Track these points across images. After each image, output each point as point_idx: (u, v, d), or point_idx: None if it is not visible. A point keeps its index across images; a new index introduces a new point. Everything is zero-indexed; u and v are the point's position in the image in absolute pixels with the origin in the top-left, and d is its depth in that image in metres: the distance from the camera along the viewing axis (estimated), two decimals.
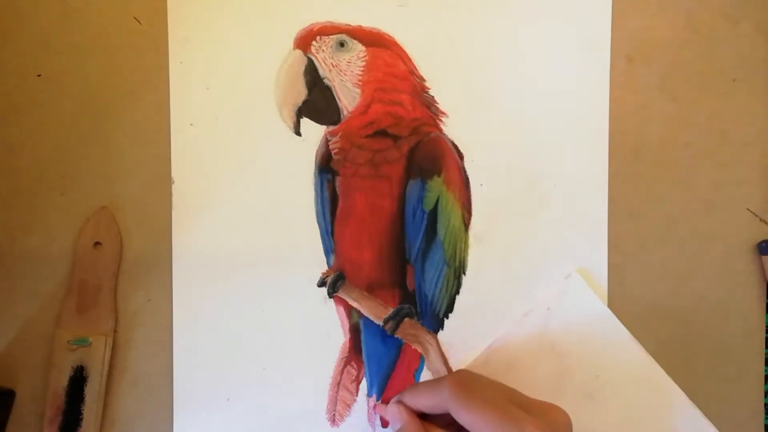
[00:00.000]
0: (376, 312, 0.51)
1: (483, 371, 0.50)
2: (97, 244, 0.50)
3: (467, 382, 0.43)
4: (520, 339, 0.50)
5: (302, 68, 0.50)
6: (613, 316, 0.51)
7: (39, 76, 0.50)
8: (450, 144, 0.51)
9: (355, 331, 0.52)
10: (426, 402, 0.44)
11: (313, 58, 0.50)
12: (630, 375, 0.50)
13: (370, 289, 0.52)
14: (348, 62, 0.51)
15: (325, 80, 0.51)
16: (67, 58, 0.50)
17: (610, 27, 0.52)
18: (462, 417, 0.41)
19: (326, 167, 0.51)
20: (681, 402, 0.50)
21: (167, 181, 0.51)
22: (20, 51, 0.50)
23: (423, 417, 0.45)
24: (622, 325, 0.51)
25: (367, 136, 0.51)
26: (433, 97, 0.51)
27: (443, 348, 0.52)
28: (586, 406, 0.50)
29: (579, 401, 0.50)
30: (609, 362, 0.50)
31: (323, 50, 0.50)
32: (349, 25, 0.51)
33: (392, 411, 0.46)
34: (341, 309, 0.52)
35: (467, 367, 0.51)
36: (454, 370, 0.51)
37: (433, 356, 0.51)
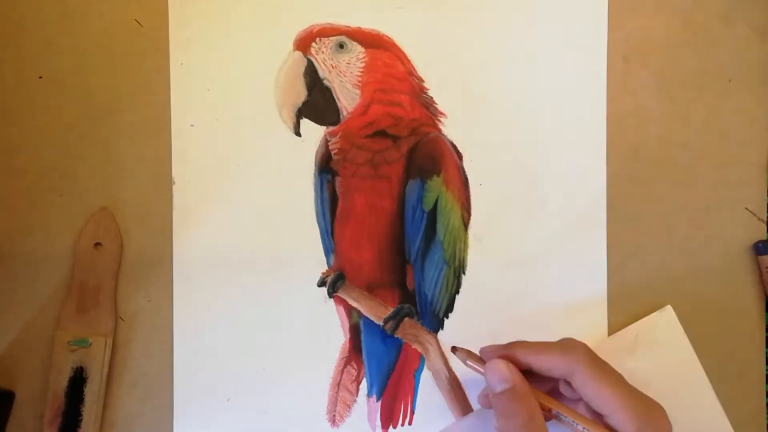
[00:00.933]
0: (376, 312, 0.52)
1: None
2: (97, 244, 0.50)
3: (599, 359, 0.41)
4: (604, 358, 0.50)
5: (302, 69, 0.51)
6: (697, 360, 0.51)
7: (40, 77, 0.51)
8: (449, 144, 0.52)
9: (355, 331, 0.52)
10: (547, 362, 0.41)
11: (313, 60, 0.51)
12: (698, 422, 0.50)
13: (370, 289, 0.52)
14: (347, 63, 0.51)
15: (325, 81, 0.51)
16: (68, 59, 0.51)
17: (606, 28, 0.52)
18: (592, 386, 0.40)
19: (326, 167, 0.51)
20: None
21: (167, 181, 0.51)
22: (21, 52, 0.50)
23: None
24: (703, 371, 0.51)
25: (367, 137, 0.51)
26: (432, 97, 0.52)
27: (443, 347, 0.52)
28: None
29: None
30: (681, 405, 0.49)
31: (323, 51, 0.51)
32: (349, 26, 0.51)
33: (499, 369, 0.41)
34: (341, 309, 0.52)
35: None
36: (454, 370, 0.51)
37: (433, 356, 0.52)
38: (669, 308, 0.51)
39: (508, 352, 0.43)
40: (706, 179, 0.53)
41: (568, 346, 0.42)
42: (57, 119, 0.51)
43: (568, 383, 0.43)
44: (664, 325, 0.51)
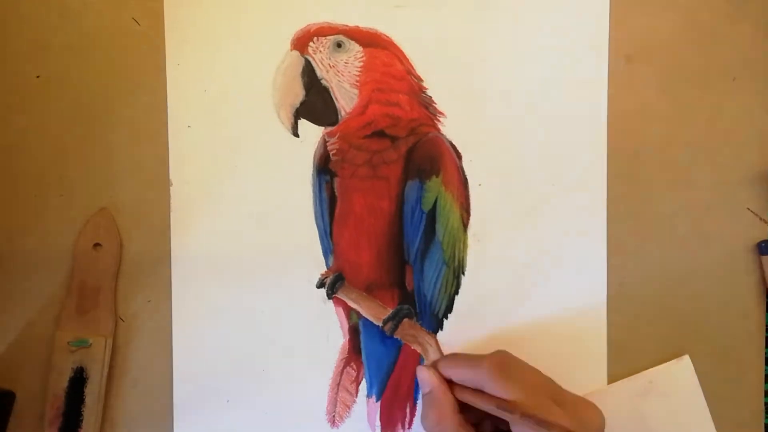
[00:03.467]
0: (375, 313, 0.51)
1: None
2: (96, 245, 0.50)
3: (508, 363, 0.44)
4: (616, 400, 0.50)
5: (299, 69, 0.50)
6: (708, 412, 0.51)
7: (38, 77, 0.50)
8: (448, 144, 0.51)
9: (354, 332, 0.52)
10: (462, 374, 0.45)
11: (311, 59, 0.50)
12: None
13: (369, 290, 0.52)
14: (345, 63, 0.50)
15: (323, 81, 0.50)
16: (66, 59, 0.50)
17: (608, 26, 0.52)
18: (499, 397, 0.42)
19: (324, 168, 0.51)
20: None
21: (166, 182, 0.51)
22: (19, 52, 0.50)
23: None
24: (713, 424, 0.51)
25: (365, 137, 0.51)
26: (430, 97, 0.51)
27: (442, 348, 0.52)
28: None
29: None
30: None
31: (320, 51, 0.50)
32: (346, 25, 0.51)
33: (422, 375, 0.47)
34: (340, 310, 0.52)
35: None
36: None
37: (432, 356, 0.51)
38: (687, 358, 0.52)
39: (437, 364, 0.47)
40: (708, 179, 0.52)
41: (476, 359, 0.45)
42: (55, 119, 0.50)
43: None
44: (680, 373, 0.51)
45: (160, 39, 0.50)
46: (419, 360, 0.52)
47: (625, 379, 0.51)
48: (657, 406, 0.51)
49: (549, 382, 0.44)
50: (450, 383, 0.46)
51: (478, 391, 0.44)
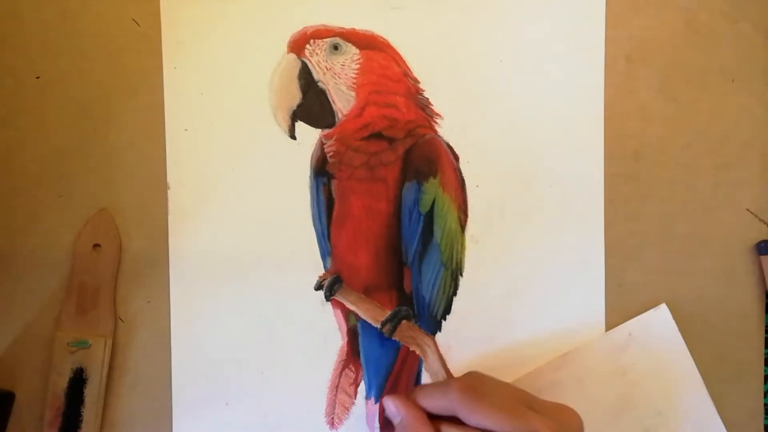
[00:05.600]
0: (373, 315, 0.51)
1: (552, 378, 0.50)
2: (96, 245, 0.50)
3: (476, 385, 0.43)
4: (596, 356, 0.50)
5: (296, 72, 0.50)
6: (690, 359, 0.51)
7: (37, 78, 0.51)
8: (445, 146, 0.51)
9: (352, 334, 0.52)
10: (434, 404, 0.44)
11: (307, 62, 0.50)
12: (690, 421, 0.50)
13: (368, 292, 0.52)
14: (342, 65, 0.50)
15: (320, 83, 0.50)
16: (66, 59, 0.51)
17: (604, 27, 0.51)
18: (471, 421, 0.41)
19: (322, 170, 0.51)
20: None
21: (164, 183, 0.51)
22: (19, 53, 0.50)
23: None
24: (696, 369, 0.51)
25: (363, 139, 0.51)
26: (427, 98, 0.51)
27: (441, 350, 0.52)
28: None
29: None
30: (674, 402, 0.50)
31: (317, 53, 0.50)
32: (343, 28, 0.51)
33: (388, 406, 0.45)
34: (339, 312, 0.52)
35: (538, 370, 0.51)
36: (452, 371, 0.51)
37: (431, 358, 0.51)
38: (664, 306, 0.51)
39: (409, 395, 0.45)
40: (707, 179, 0.52)
41: (444, 386, 0.44)
42: (55, 120, 0.51)
43: None
44: (659, 323, 0.51)
45: (158, 41, 0.50)
46: (418, 362, 0.52)
47: (605, 334, 0.51)
48: (638, 358, 0.50)
49: (522, 393, 0.43)
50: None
51: (457, 425, 0.42)
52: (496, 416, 0.40)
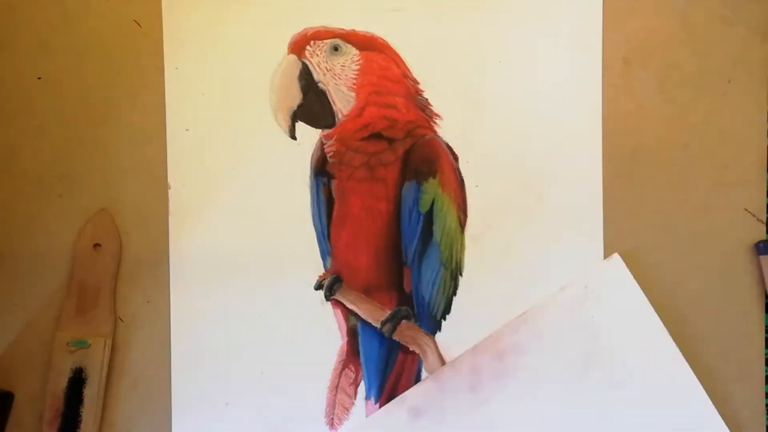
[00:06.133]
0: (373, 314, 0.52)
1: (511, 340, 0.49)
2: (96, 245, 0.50)
3: None
4: (554, 312, 0.50)
5: (297, 72, 0.51)
6: (649, 305, 0.50)
7: (39, 78, 0.51)
8: (445, 146, 0.51)
9: (352, 334, 0.52)
10: None
11: (308, 63, 0.51)
12: (657, 369, 0.50)
13: (367, 292, 0.52)
14: (342, 66, 0.51)
15: (320, 84, 0.51)
16: (67, 60, 0.51)
17: (601, 29, 0.52)
18: None
19: (322, 170, 0.51)
20: (701, 402, 0.50)
21: (165, 183, 0.51)
22: (20, 53, 0.51)
23: None
24: (657, 316, 0.50)
25: (362, 139, 0.51)
26: (427, 99, 0.51)
27: (441, 349, 0.52)
28: (609, 393, 0.49)
29: (604, 387, 0.49)
30: (639, 352, 0.49)
31: (317, 54, 0.51)
32: (343, 29, 0.51)
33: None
34: (338, 312, 0.52)
35: (498, 332, 0.50)
36: None
37: (431, 358, 0.52)
38: (617, 256, 0.51)
39: None
40: (705, 180, 0.52)
41: None
42: (56, 120, 0.51)
43: None
44: (613, 273, 0.51)
45: (159, 42, 0.51)
46: (418, 362, 0.52)
47: (560, 290, 0.51)
48: (597, 310, 0.50)
49: None
50: None
51: None
52: None
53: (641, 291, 0.50)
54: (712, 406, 0.50)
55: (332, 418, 0.52)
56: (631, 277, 0.50)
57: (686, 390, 0.49)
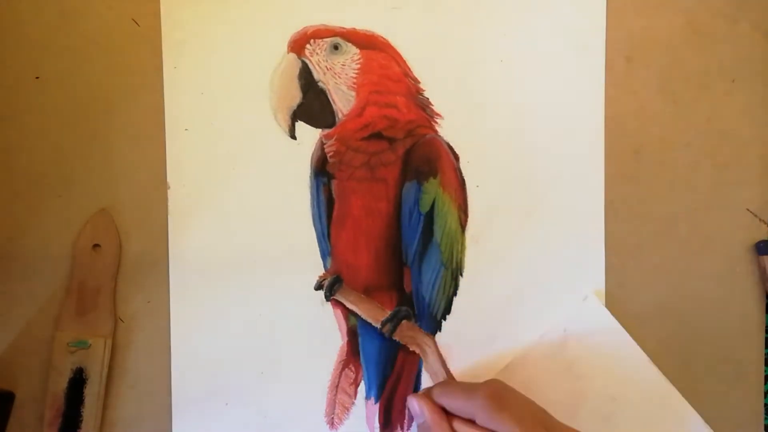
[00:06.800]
0: (373, 315, 0.51)
1: None
2: (96, 246, 0.50)
3: (502, 394, 0.43)
4: (537, 359, 0.50)
5: (296, 72, 0.50)
6: (630, 338, 0.51)
7: (37, 78, 0.51)
8: (445, 146, 0.51)
9: (352, 334, 0.52)
10: (455, 404, 0.44)
11: (308, 62, 0.50)
12: (646, 398, 0.50)
13: (368, 292, 0.52)
14: (342, 65, 0.50)
15: (320, 83, 0.50)
16: (65, 59, 0.50)
17: (604, 28, 0.52)
18: (491, 427, 0.42)
19: (322, 170, 0.51)
20: (696, 427, 0.50)
21: (164, 183, 0.51)
22: (18, 53, 0.50)
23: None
24: (639, 348, 0.51)
25: (363, 139, 0.51)
26: (428, 98, 0.51)
27: (441, 349, 0.52)
28: (602, 429, 0.50)
29: (595, 423, 0.50)
30: (625, 384, 0.50)
31: (317, 53, 0.50)
32: (343, 27, 0.51)
33: (413, 405, 0.45)
34: (339, 312, 0.52)
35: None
36: (452, 371, 0.51)
37: (431, 358, 0.51)
38: (592, 295, 0.51)
39: (429, 392, 0.46)
40: (707, 179, 0.52)
41: (470, 388, 0.44)
42: (55, 120, 0.51)
43: None
44: (591, 312, 0.51)
45: (158, 41, 0.50)
46: (418, 362, 0.52)
47: (540, 336, 0.51)
48: (579, 351, 0.50)
49: (543, 412, 0.44)
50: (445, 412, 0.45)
51: (474, 426, 0.43)
52: (514, 430, 0.41)
53: (620, 325, 0.51)
54: (705, 425, 0.50)
55: (332, 418, 0.52)
56: (609, 314, 0.51)
57: (676, 412, 0.50)
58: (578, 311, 0.51)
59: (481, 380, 0.49)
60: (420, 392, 0.47)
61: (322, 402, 0.52)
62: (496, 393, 0.43)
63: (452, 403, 0.44)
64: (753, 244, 0.52)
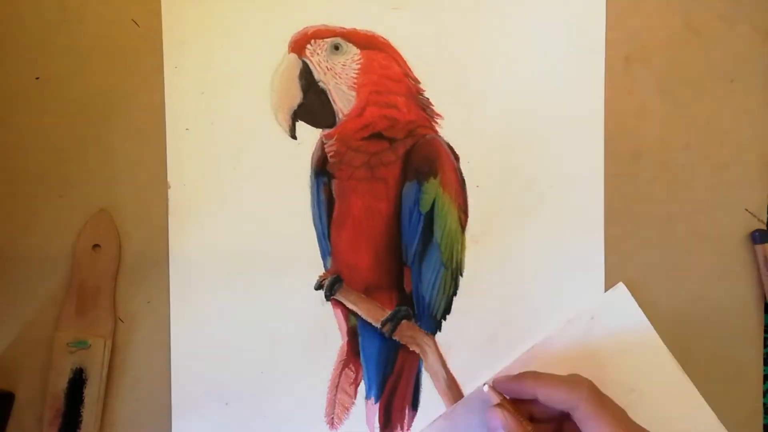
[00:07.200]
0: (373, 314, 0.51)
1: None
2: (96, 246, 0.50)
3: (601, 393, 0.44)
4: (562, 344, 0.51)
5: (297, 72, 0.50)
6: (654, 332, 0.51)
7: (37, 78, 0.51)
8: (446, 146, 0.51)
9: (353, 334, 0.52)
10: (557, 396, 0.44)
11: (308, 62, 0.50)
12: (664, 392, 0.51)
13: (368, 292, 0.52)
14: (343, 65, 0.51)
15: (320, 83, 0.51)
16: (66, 60, 0.50)
17: (604, 28, 0.52)
18: (590, 423, 0.42)
19: (322, 170, 0.51)
20: (712, 424, 0.50)
21: (164, 184, 0.51)
22: (18, 53, 0.50)
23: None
24: (662, 341, 0.51)
25: (363, 139, 0.51)
26: (428, 99, 0.51)
27: (441, 349, 0.52)
28: None
29: None
30: (646, 377, 0.50)
31: (318, 53, 0.50)
32: (344, 28, 0.51)
33: (495, 421, 0.45)
34: (339, 312, 0.52)
35: (508, 368, 0.51)
36: (452, 371, 0.51)
37: (431, 358, 0.52)
38: (621, 285, 0.51)
39: (517, 382, 0.46)
40: (706, 180, 0.52)
41: (573, 381, 0.44)
42: (55, 120, 0.51)
43: (573, 423, 0.44)
44: (619, 303, 0.51)
45: (159, 41, 0.50)
46: (418, 361, 0.52)
47: (567, 322, 0.51)
48: (604, 340, 0.51)
49: (634, 424, 0.44)
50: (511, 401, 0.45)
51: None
52: (619, 427, 0.41)
53: (646, 318, 0.51)
54: (721, 425, 0.50)
55: (332, 418, 0.52)
56: (637, 305, 0.51)
57: (694, 409, 0.51)
58: (607, 300, 0.51)
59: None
60: (503, 383, 0.46)
61: (322, 402, 0.52)
62: (598, 390, 0.44)
63: (553, 394, 0.44)
64: (748, 233, 0.52)
